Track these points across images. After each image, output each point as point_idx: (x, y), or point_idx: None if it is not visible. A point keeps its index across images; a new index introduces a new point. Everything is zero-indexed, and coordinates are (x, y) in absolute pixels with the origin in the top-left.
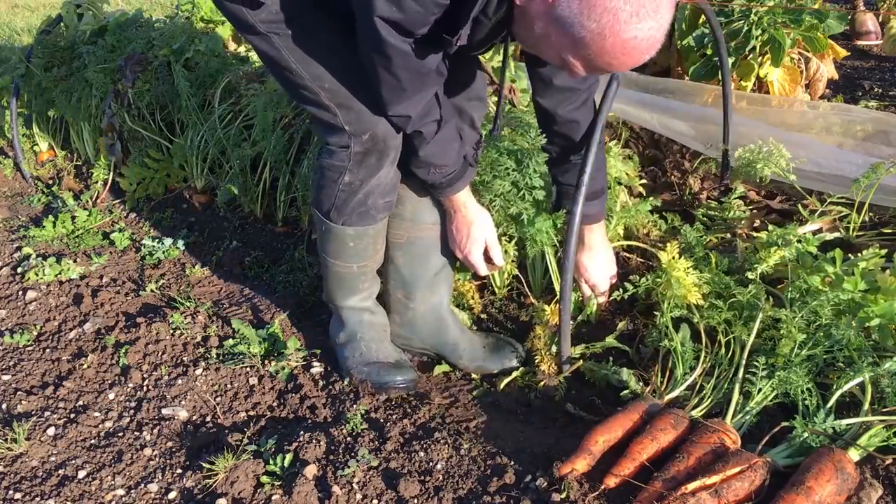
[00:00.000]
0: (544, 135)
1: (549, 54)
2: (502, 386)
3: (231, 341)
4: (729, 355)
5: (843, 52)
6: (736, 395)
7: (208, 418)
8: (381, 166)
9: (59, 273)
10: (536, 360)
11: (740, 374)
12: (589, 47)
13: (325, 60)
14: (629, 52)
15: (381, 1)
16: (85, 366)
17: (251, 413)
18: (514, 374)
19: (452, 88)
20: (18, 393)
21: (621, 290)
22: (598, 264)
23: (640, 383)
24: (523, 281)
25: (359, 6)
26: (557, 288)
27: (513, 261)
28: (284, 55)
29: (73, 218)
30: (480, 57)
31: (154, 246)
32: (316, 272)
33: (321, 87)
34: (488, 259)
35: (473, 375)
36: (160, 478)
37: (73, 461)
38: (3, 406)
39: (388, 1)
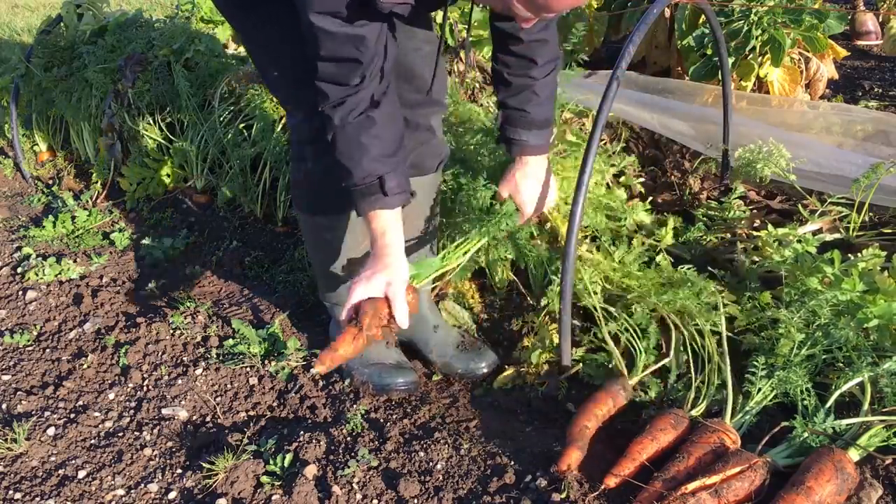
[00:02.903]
0: (499, 54)
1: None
2: (497, 384)
3: (231, 341)
4: (705, 345)
5: (843, 52)
6: (731, 394)
7: (208, 418)
8: None
9: (59, 273)
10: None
11: (725, 366)
12: None
13: (280, 44)
14: None
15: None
16: (85, 366)
17: (251, 413)
18: (508, 372)
19: (404, 86)
20: (18, 393)
21: None
22: (530, 187)
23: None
24: (520, 281)
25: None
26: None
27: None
28: (252, 36)
29: (73, 218)
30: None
31: (154, 246)
32: None
33: (280, 68)
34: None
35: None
36: (160, 478)
37: (73, 461)
38: (3, 406)
39: None
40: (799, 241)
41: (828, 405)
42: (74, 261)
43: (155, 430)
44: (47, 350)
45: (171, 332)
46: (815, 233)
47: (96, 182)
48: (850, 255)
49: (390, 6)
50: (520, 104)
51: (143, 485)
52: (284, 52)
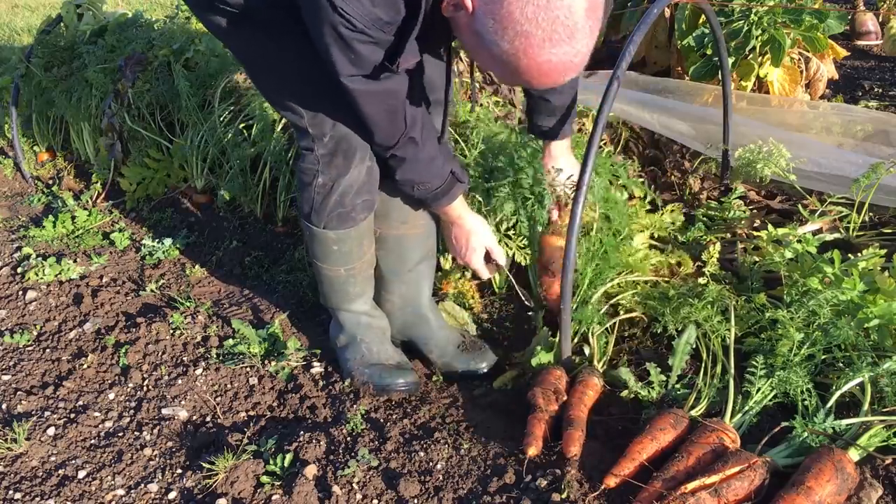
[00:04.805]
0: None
1: (479, 62)
2: (497, 384)
3: (231, 341)
4: (709, 347)
5: (843, 52)
6: (731, 394)
7: (208, 418)
8: (349, 166)
9: (59, 273)
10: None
11: (726, 367)
12: (506, 65)
13: (288, 66)
14: (545, 73)
15: (342, 63)
16: (85, 366)
17: (251, 413)
18: (509, 372)
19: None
20: (18, 393)
21: None
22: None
23: (640, 382)
24: (520, 282)
25: (327, 63)
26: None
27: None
28: (254, 57)
29: (73, 218)
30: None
31: (154, 246)
32: None
33: (286, 90)
34: (489, 261)
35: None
36: (160, 478)
37: (73, 461)
38: (3, 406)
39: (348, 61)
40: (799, 241)
41: (828, 405)
42: (74, 261)
43: (155, 430)
44: (47, 350)
45: (171, 332)
46: (815, 233)
47: (96, 182)
48: (850, 255)
49: (405, 67)
50: (542, 94)
51: (143, 485)
52: (296, 69)
